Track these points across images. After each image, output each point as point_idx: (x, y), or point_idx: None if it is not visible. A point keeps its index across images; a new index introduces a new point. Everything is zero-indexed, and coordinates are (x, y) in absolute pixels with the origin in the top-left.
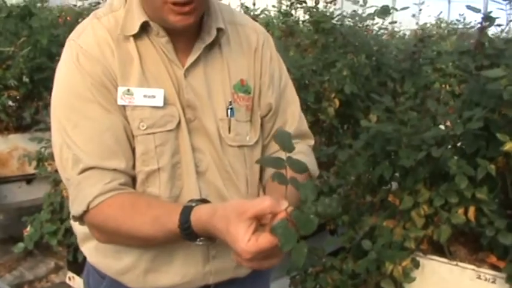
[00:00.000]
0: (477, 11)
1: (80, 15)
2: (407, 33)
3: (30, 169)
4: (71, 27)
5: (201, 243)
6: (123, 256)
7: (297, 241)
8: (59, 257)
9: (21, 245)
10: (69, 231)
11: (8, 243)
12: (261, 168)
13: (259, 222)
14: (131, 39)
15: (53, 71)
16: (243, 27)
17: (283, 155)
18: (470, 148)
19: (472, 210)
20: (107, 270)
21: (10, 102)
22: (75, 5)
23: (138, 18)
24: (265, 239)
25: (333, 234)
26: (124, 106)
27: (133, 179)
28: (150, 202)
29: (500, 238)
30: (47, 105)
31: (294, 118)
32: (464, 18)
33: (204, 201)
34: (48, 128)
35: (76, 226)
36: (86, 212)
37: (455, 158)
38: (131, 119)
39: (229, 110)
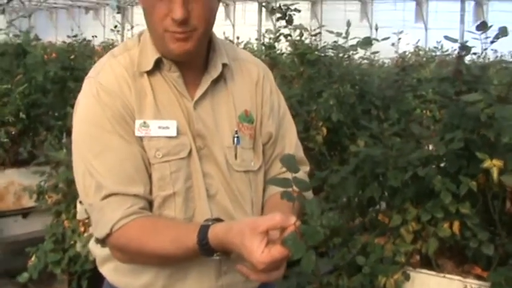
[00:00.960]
0: (454, 41)
1: (65, 51)
2: (386, 61)
3: (27, 203)
4: (62, 64)
5: (217, 257)
6: (141, 274)
7: (306, 250)
8: None
9: (25, 275)
10: (72, 260)
11: (4, 278)
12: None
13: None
14: (145, 75)
15: (47, 106)
16: (245, 62)
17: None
18: (453, 167)
19: (456, 224)
20: None
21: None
22: (64, 42)
23: (152, 55)
24: (277, 250)
25: (323, 257)
26: (141, 137)
27: (150, 204)
28: (168, 223)
29: (483, 249)
30: (43, 141)
31: (291, 145)
32: (441, 46)
33: (218, 220)
34: (46, 162)
35: (95, 249)
36: (109, 234)
37: (439, 176)
38: (148, 148)
39: (235, 139)
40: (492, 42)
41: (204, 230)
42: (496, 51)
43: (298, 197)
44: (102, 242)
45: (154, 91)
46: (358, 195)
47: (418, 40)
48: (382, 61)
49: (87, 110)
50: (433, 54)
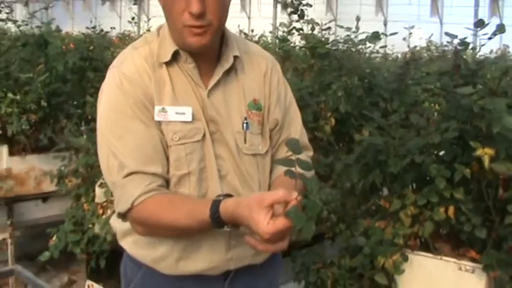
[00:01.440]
0: (454, 37)
1: (83, 42)
2: (400, 55)
3: (46, 188)
4: (81, 55)
5: (228, 229)
6: (158, 247)
7: (306, 221)
8: (72, 271)
9: (46, 253)
10: (91, 241)
11: (23, 260)
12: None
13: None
14: (163, 65)
15: (67, 95)
16: (254, 55)
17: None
18: (448, 155)
19: (451, 209)
20: (144, 260)
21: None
22: (81, 32)
23: (170, 48)
24: (281, 222)
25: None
26: (160, 122)
27: (167, 182)
28: (184, 199)
29: (477, 232)
30: (62, 128)
31: (296, 132)
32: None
33: (228, 196)
34: (67, 148)
35: (116, 224)
36: (130, 209)
37: (435, 164)
38: (166, 132)
39: (244, 124)
40: (490, 38)
41: (216, 204)
42: (507, 46)
43: (300, 175)
44: (124, 216)
45: (172, 80)
46: (361, 182)
47: (431, 34)
48: (396, 55)
49: (110, 97)
50: (446, 48)
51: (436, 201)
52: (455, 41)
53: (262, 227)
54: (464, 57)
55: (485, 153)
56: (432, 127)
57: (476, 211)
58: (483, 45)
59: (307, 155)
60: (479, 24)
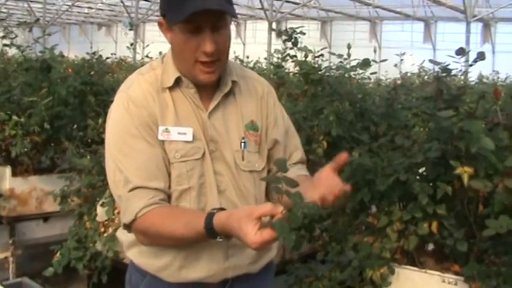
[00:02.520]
0: (437, 64)
1: (82, 67)
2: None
3: (48, 208)
4: (82, 79)
5: (220, 239)
6: (161, 256)
7: (289, 231)
8: None
9: (50, 269)
10: (93, 257)
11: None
12: (266, 188)
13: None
14: (167, 90)
15: (68, 118)
16: (251, 79)
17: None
18: (432, 174)
19: (434, 224)
20: (148, 268)
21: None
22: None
23: (173, 74)
24: (267, 233)
25: (324, 263)
26: (163, 141)
27: (169, 196)
28: (183, 211)
29: (458, 246)
30: (64, 150)
31: (297, 150)
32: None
33: (222, 209)
34: (69, 169)
35: (122, 236)
36: (134, 220)
37: (418, 182)
38: (168, 150)
39: (242, 144)
40: (470, 65)
41: (210, 216)
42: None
43: (285, 191)
44: (129, 227)
45: (174, 103)
46: (352, 201)
47: (423, 61)
48: (389, 81)
49: (118, 118)
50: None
51: (420, 217)
52: (454, 66)
53: (250, 237)
54: (459, 79)
55: (464, 171)
56: (416, 148)
57: (459, 226)
58: (465, 72)
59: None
60: (460, 52)
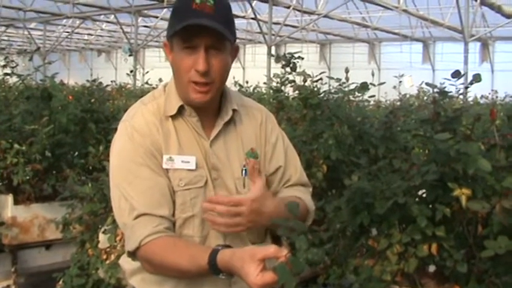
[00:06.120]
0: (433, 87)
1: (82, 94)
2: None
3: (50, 235)
4: (83, 107)
5: (223, 277)
6: (164, 284)
7: (290, 277)
8: None
9: None
10: (95, 285)
11: None
12: None
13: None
14: (170, 119)
15: (69, 145)
16: (251, 108)
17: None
18: (430, 196)
19: (434, 246)
20: None
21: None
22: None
23: (176, 103)
24: (269, 276)
25: (325, 286)
26: (167, 169)
27: (173, 224)
28: (187, 244)
29: (458, 267)
30: (65, 177)
31: (296, 171)
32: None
33: (227, 246)
34: (71, 197)
35: (125, 264)
36: (138, 248)
37: (416, 204)
38: (172, 178)
39: (243, 171)
40: (466, 88)
41: (214, 253)
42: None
43: (293, 221)
44: (133, 254)
45: (177, 132)
46: (352, 225)
47: (422, 82)
48: (388, 102)
49: (123, 147)
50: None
51: (419, 239)
52: (452, 87)
53: (252, 279)
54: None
55: (462, 193)
56: (415, 170)
57: (459, 247)
58: (461, 93)
59: (308, 191)
60: (456, 75)
